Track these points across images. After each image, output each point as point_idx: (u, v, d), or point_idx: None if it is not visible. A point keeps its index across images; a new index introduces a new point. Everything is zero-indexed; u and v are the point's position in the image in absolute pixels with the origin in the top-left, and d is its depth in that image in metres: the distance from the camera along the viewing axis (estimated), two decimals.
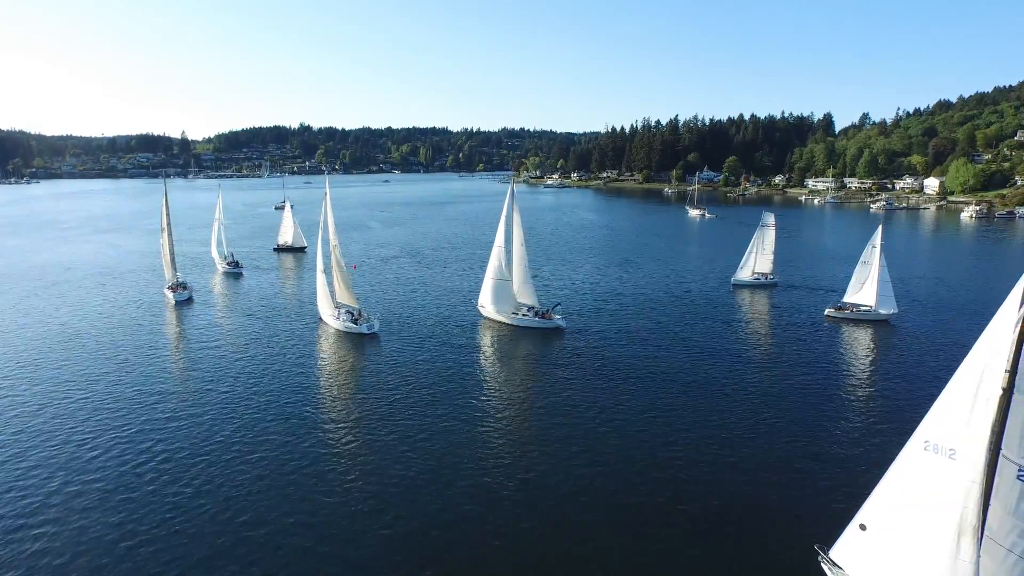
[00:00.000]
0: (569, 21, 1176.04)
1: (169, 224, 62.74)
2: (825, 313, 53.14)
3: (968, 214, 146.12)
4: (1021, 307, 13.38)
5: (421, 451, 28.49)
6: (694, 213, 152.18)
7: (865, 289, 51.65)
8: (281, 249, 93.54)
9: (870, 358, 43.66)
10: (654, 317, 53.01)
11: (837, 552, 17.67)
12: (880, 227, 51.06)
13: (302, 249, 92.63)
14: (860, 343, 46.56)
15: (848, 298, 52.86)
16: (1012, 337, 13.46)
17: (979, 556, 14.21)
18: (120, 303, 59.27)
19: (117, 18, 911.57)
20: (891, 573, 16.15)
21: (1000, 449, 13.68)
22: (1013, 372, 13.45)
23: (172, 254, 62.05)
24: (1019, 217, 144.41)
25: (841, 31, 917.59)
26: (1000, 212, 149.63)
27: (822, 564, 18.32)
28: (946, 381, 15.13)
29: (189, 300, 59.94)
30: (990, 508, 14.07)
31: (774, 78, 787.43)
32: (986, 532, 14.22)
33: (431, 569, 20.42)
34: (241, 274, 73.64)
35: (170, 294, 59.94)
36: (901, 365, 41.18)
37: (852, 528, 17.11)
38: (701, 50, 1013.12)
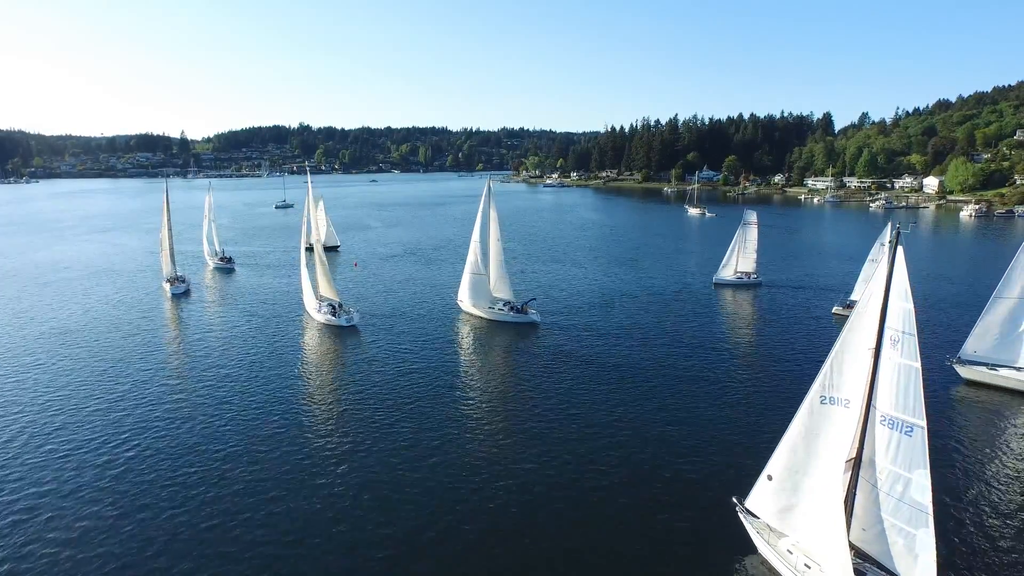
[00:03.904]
0: (569, 21, 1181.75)
1: (169, 220, 64.73)
2: (833, 311, 52.48)
3: (968, 213, 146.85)
4: (886, 280, 15.08)
5: (396, 444, 28.91)
6: (694, 212, 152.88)
7: None
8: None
9: None
10: (633, 314, 53.29)
11: (751, 502, 19.22)
12: (889, 224, 50.91)
13: (335, 248, 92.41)
14: None
15: (856, 296, 51.48)
16: (878, 305, 15.20)
17: (856, 493, 15.82)
18: (120, 296, 61.38)
19: (117, 18, 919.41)
20: (792, 514, 17.82)
21: (871, 399, 15.33)
22: (879, 334, 15.16)
23: (172, 250, 64.00)
24: (1018, 216, 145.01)
25: (841, 31, 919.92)
26: (999, 211, 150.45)
27: (739, 515, 19.88)
28: None
29: (186, 292, 62.06)
30: (863, 450, 15.69)
31: (774, 78, 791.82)
32: (860, 471, 15.85)
33: (393, 550, 21.05)
34: (233, 270, 75.75)
35: (168, 287, 61.99)
36: None
37: (761, 479, 18.67)
38: (701, 50, 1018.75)
